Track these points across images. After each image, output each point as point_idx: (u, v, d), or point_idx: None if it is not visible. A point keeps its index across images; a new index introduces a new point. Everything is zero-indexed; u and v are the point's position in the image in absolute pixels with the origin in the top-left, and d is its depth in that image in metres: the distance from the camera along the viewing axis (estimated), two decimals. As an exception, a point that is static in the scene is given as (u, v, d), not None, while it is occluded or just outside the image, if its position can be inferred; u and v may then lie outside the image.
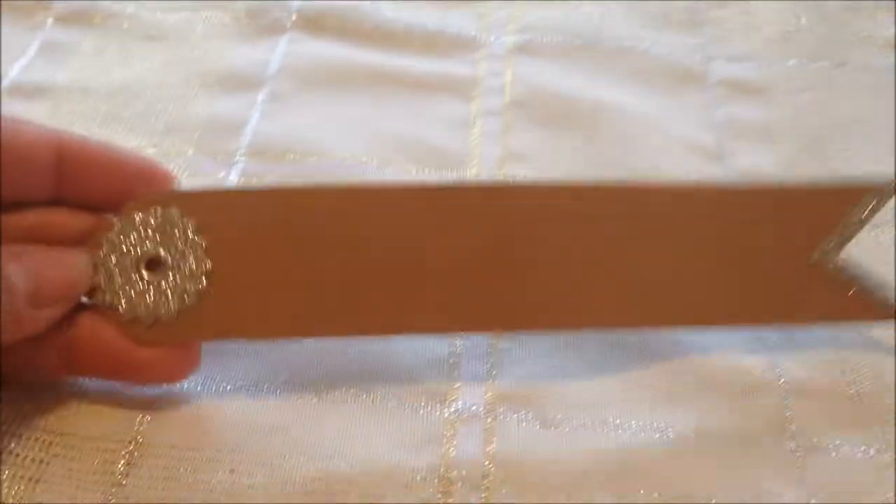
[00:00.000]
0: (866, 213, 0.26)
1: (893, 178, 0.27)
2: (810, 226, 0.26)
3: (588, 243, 0.26)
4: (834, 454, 0.25)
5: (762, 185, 0.27)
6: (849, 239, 0.26)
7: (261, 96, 0.36)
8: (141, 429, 0.25)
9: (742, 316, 0.26)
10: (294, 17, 0.39)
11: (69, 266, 0.24)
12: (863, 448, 0.25)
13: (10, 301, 0.21)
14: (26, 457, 0.24)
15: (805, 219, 0.26)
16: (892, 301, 0.26)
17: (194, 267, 0.25)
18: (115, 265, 0.25)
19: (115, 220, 0.25)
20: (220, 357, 0.27)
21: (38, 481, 0.23)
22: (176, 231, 0.25)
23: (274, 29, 0.39)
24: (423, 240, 0.25)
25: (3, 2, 0.40)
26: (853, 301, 0.26)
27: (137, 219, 0.25)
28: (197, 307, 0.25)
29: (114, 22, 0.39)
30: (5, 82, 0.36)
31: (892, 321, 0.26)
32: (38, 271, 0.22)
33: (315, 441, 0.25)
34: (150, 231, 0.25)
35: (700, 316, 0.26)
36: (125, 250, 0.25)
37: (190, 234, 0.25)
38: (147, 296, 0.24)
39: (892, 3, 0.41)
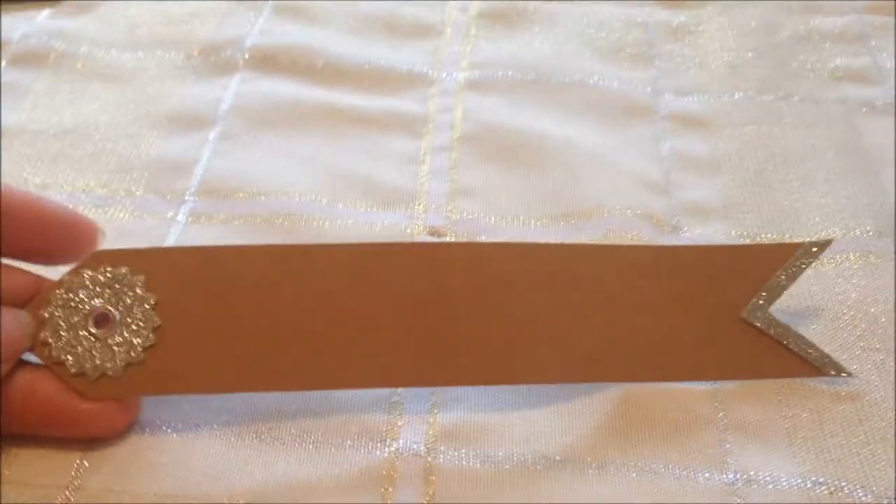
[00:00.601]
0: (793, 270, 0.27)
1: (818, 241, 0.28)
2: (739, 283, 0.27)
3: (525, 301, 0.27)
4: (771, 486, 0.25)
5: (695, 247, 0.29)
6: (777, 296, 0.27)
7: (212, 135, 0.36)
8: (79, 473, 0.25)
9: (676, 372, 0.27)
10: (247, 56, 0.39)
11: (10, 325, 0.24)
12: (799, 481, 0.25)
13: None
14: (-37, 505, 0.24)
15: (734, 277, 0.27)
16: (824, 357, 0.27)
17: (143, 323, 0.25)
18: (62, 321, 0.25)
19: (64, 277, 0.25)
20: (159, 401, 0.27)
21: (-26, 529, 0.23)
22: (125, 288, 0.25)
23: (226, 68, 0.39)
24: (362, 298, 0.26)
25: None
26: (781, 357, 0.27)
27: (87, 276, 0.25)
28: (143, 362, 0.25)
29: (67, 62, 0.39)
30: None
31: (822, 376, 0.27)
32: None
33: (256, 484, 0.25)
34: (98, 288, 0.25)
35: (634, 372, 0.27)
36: (73, 307, 0.25)
37: (139, 291, 0.25)
38: (94, 351, 0.25)
39: (840, 35, 0.42)
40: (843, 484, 0.25)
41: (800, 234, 0.32)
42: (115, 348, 0.25)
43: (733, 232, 0.32)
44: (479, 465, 0.25)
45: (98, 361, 0.25)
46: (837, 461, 0.26)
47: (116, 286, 0.25)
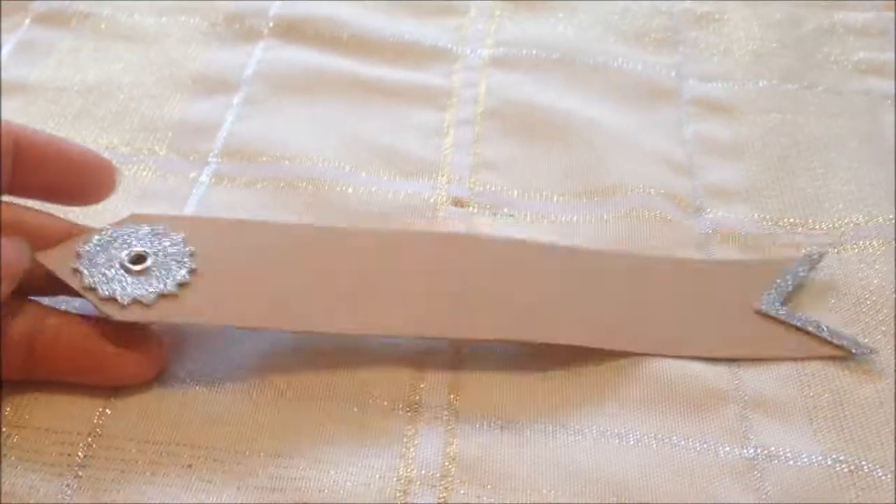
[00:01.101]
0: (800, 275, 0.29)
1: (815, 252, 0.30)
2: (753, 287, 0.29)
3: (547, 296, 0.28)
4: (791, 462, 0.25)
5: (707, 261, 0.31)
6: (785, 293, 0.29)
7: (236, 99, 0.36)
8: (100, 421, 0.25)
9: (691, 348, 0.28)
10: (271, 24, 0.39)
11: (8, 248, 0.23)
12: (820, 458, 0.25)
13: None
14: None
15: (747, 283, 0.29)
16: (837, 340, 0.28)
17: (180, 265, 0.25)
18: (98, 253, 0.25)
19: (107, 225, 0.26)
20: (182, 353, 0.27)
21: (-6, 470, 0.23)
22: (164, 240, 0.26)
23: (250, 35, 0.39)
24: (391, 274, 0.27)
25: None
26: (800, 340, 0.28)
27: (127, 228, 0.26)
28: (177, 296, 0.25)
29: (91, 23, 0.39)
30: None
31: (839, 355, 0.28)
32: None
33: (275, 440, 0.25)
34: (138, 235, 0.26)
35: (650, 344, 0.28)
36: (111, 244, 0.25)
37: (178, 242, 0.26)
38: (126, 280, 0.25)
39: (863, 30, 0.42)
40: (864, 463, 0.25)
41: (822, 219, 0.32)
42: (150, 280, 0.25)
43: (756, 215, 0.32)
44: (498, 430, 0.25)
45: (129, 289, 0.25)
46: (857, 441, 0.26)
47: (156, 236, 0.26)
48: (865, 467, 0.25)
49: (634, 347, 0.27)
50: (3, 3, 0.40)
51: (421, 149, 0.34)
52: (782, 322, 0.28)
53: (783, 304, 0.28)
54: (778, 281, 0.29)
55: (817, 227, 0.32)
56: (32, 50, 0.38)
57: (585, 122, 0.36)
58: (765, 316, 0.28)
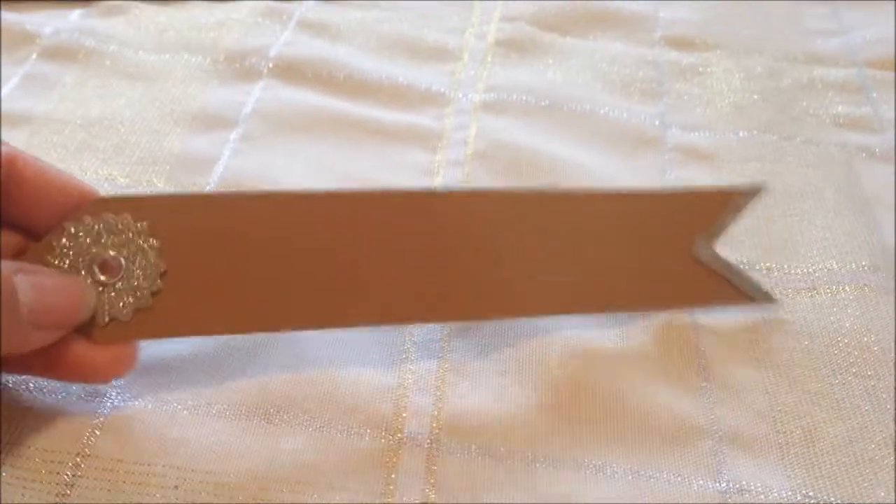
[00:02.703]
0: (733, 213, 0.30)
1: (752, 184, 0.31)
2: (690, 224, 0.30)
3: (507, 242, 0.29)
4: (762, 497, 0.26)
5: (649, 191, 0.31)
6: (718, 234, 0.30)
7: (233, 135, 0.37)
8: (89, 441, 0.25)
9: (631, 303, 0.30)
10: (271, 65, 0.41)
11: (74, 292, 0.24)
12: (790, 493, 0.26)
13: (13, 313, 0.21)
14: (-25, 464, 0.24)
15: (686, 218, 0.30)
16: (752, 288, 0.30)
17: (149, 268, 0.25)
18: (69, 268, 0.25)
19: (66, 224, 0.25)
20: (171, 377, 0.27)
21: (-15, 485, 0.24)
22: (130, 234, 0.26)
23: (250, 74, 0.40)
24: (362, 241, 0.27)
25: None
26: (722, 287, 0.30)
27: (89, 223, 0.26)
28: (151, 307, 0.25)
29: (96, 59, 0.40)
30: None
31: (754, 304, 0.31)
32: (43, 289, 0.23)
33: (262, 464, 0.25)
34: (103, 235, 0.26)
35: (596, 303, 0.30)
36: (78, 253, 0.25)
37: (143, 237, 0.26)
38: (103, 297, 0.25)
39: (842, 86, 0.44)
40: (833, 499, 0.26)
41: (797, 264, 0.33)
42: (123, 294, 0.25)
43: (734, 257, 0.33)
44: (480, 459, 0.26)
45: (107, 307, 0.25)
46: (828, 478, 0.26)
47: (120, 232, 0.26)
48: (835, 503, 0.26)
49: (583, 310, 0.30)
50: (10, 36, 0.41)
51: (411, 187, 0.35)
52: (709, 267, 0.30)
53: (713, 243, 0.30)
54: (712, 220, 0.30)
55: (792, 271, 0.33)
56: (38, 83, 0.39)
57: (572, 165, 0.37)
58: (697, 261, 0.30)
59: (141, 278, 0.25)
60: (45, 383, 0.27)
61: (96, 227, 0.26)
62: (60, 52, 0.41)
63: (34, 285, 0.22)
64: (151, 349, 0.28)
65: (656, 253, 0.30)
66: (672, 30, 0.47)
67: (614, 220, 0.30)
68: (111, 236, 0.26)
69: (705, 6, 0.49)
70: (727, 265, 0.30)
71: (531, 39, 0.45)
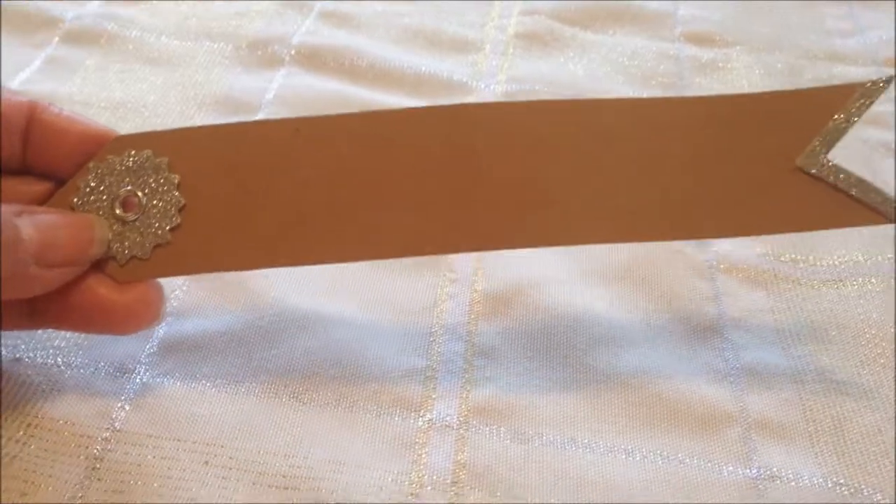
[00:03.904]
0: (853, 111, 0.26)
1: (880, 78, 0.26)
2: (794, 130, 0.25)
3: (555, 159, 0.25)
4: (793, 484, 0.25)
5: (739, 95, 0.26)
6: (836, 140, 0.25)
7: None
8: (119, 416, 0.25)
9: (728, 226, 0.26)
10: (293, 52, 0.41)
11: (79, 227, 0.24)
12: (821, 480, 0.26)
13: (16, 254, 0.21)
14: (8, 437, 0.24)
15: (788, 124, 0.25)
16: (889, 201, 0.25)
17: (168, 204, 0.25)
18: (90, 207, 0.25)
19: (89, 164, 0.25)
20: (202, 354, 0.27)
21: (16, 457, 0.24)
22: (149, 171, 0.25)
23: (273, 62, 0.40)
24: (384, 165, 0.25)
25: (10, 18, 0.41)
26: (843, 204, 0.25)
27: (112, 161, 0.25)
28: (171, 243, 0.25)
29: (119, 44, 0.40)
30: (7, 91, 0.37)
31: (887, 223, 0.25)
32: (45, 228, 0.22)
33: (291, 441, 0.25)
34: (124, 173, 0.25)
35: (682, 228, 0.25)
36: (101, 193, 0.25)
37: (163, 172, 0.25)
38: (123, 234, 0.25)
39: (860, 80, 0.43)
40: (864, 487, 0.26)
41: (823, 256, 0.33)
42: (143, 230, 0.25)
43: (759, 249, 0.33)
44: (508, 441, 0.26)
45: (127, 244, 0.25)
46: (858, 466, 0.26)
47: (140, 169, 0.25)
48: (865, 491, 0.25)
49: (662, 236, 0.26)
50: (32, 20, 0.41)
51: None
52: (825, 182, 0.25)
53: (827, 151, 0.25)
54: (824, 124, 0.25)
55: (818, 263, 0.33)
56: (60, 67, 0.39)
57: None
58: (806, 174, 0.25)
59: (160, 214, 0.25)
60: (74, 359, 0.27)
61: (118, 165, 0.25)
62: (83, 37, 0.40)
63: (37, 224, 0.22)
64: (179, 327, 0.28)
65: (752, 165, 0.25)
66: (691, 26, 0.47)
67: (694, 129, 0.25)
68: (132, 173, 0.25)
69: (724, 5, 0.49)
70: (847, 176, 0.25)
71: (551, 33, 0.45)
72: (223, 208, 0.25)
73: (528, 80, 0.41)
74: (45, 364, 0.26)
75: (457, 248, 0.25)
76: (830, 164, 0.25)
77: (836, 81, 0.43)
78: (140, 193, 0.25)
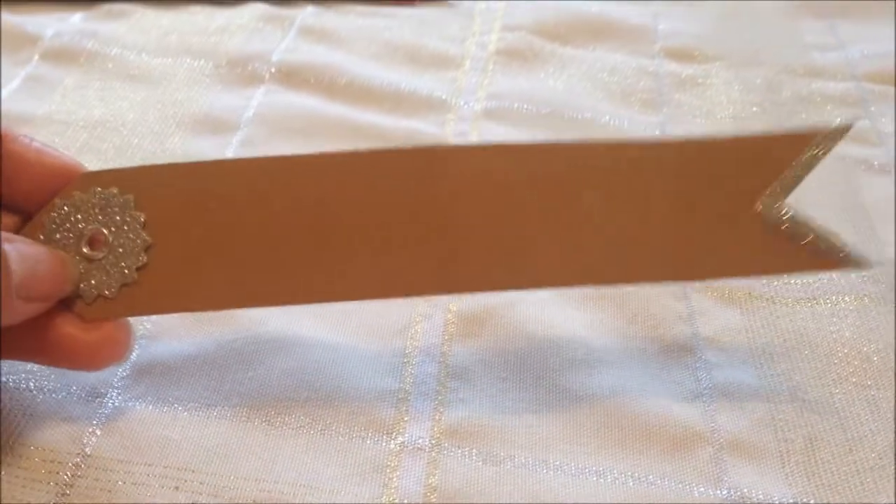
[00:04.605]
0: (811, 158, 0.26)
1: (838, 123, 0.26)
2: (755, 175, 0.25)
3: (524, 202, 0.25)
4: (764, 506, 0.26)
5: (703, 139, 0.26)
6: (794, 185, 0.26)
7: (235, 139, 0.37)
8: (89, 441, 0.25)
9: (688, 270, 0.26)
10: (273, 70, 0.41)
11: (59, 264, 0.24)
12: (791, 501, 0.26)
13: (5, 282, 0.21)
14: (-23, 462, 0.24)
15: (749, 168, 0.26)
16: (841, 249, 0.25)
17: (134, 243, 0.25)
18: (57, 244, 0.25)
19: (55, 200, 0.25)
20: (172, 378, 0.27)
21: (-17, 483, 0.24)
22: (115, 208, 0.25)
23: (252, 79, 0.40)
24: (357, 205, 0.25)
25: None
26: (800, 250, 0.25)
27: (77, 198, 0.25)
28: (138, 283, 0.25)
29: (99, 62, 0.41)
30: (-15, 110, 0.37)
31: (841, 270, 0.26)
32: (30, 261, 0.23)
33: (262, 466, 0.25)
34: (90, 210, 0.25)
35: (642, 272, 0.26)
36: (67, 229, 0.25)
37: (129, 210, 0.25)
38: (89, 273, 0.25)
39: (841, 99, 0.44)
40: (834, 507, 0.26)
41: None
42: (109, 269, 0.25)
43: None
44: (480, 463, 0.26)
45: (94, 282, 0.25)
46: (829, 486, 0.26)
47: (107, 207, 0.25)
48: (835, 512, 0.26)
49: (626, 280, 0.26)
50: (12, 38, 0.41)
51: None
52: (782, 227, 0.25)
53: (786, 197, 0.25)
54: (783, 170, 0.25)
55: (792, 281, 0.33)
56: (39, 85, 0.39)
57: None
58: (765, 219, 0.25)
59: (126, 253, 0.25)
60: (46, 383, 0.27)
61: (85, 202, 0.25)
62: (62, 55, 0.41)
63: (21, 254, 0.22)
64: (152, 350, 0.28)
65: (712, 210, 0.25)
66: (671, 42, 0.47)
67: (657, 173, 0.26)
68: (98, 211, 0.25)
69: (704, 20, 0.49)
70: (805, 223, 0.25)
71: (531, 48, 0.45)
72: (189, 247, 0.25)
73: (508, 97, 0.41)
74: (18, 388, 0.26)
75: (424, 292, 0.26)
76: (789, 210, 0.25)
77: (815, 97, 0.44)
78: (106, 231, 0.25)
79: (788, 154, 0.25)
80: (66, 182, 0.25)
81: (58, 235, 0.25)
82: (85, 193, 0.25)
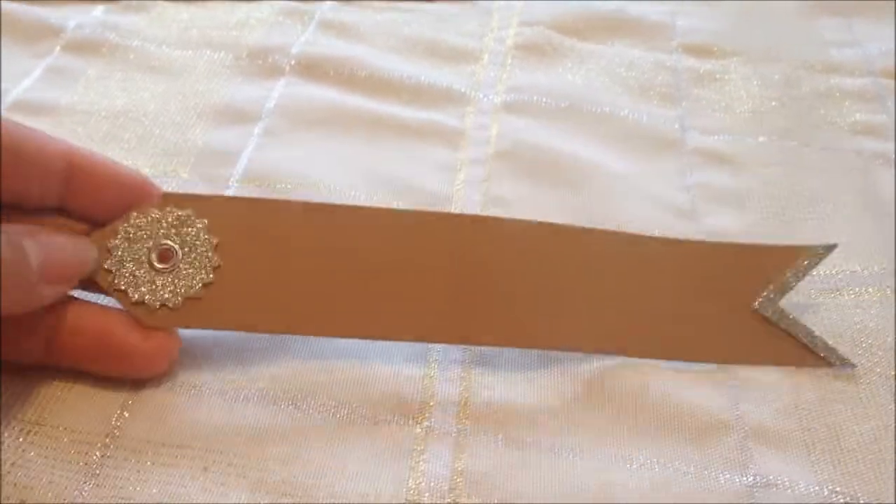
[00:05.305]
0: (799, 272, 0.30)
1: (825, 244, 0.31)
2: (754, 278, 0.30)
3: (550, 274, 0.29)
4: (789, 492, 0.26)
5: (709, 243, 0.32)
6: (786, 291, 0.30)
7: (256, 130, 0.37)
8: (118, 423, 0.25)
9: (689, 352, 0.29)
10: (293, 62, 0.41)
11: (78, 248, 0.25)
12: (817, 488, 0.26)
13: (24, 272, 0.22)
14: (8, 444, 0.24)
15: (747, 272, 0.30)
16: (832, 351, 0.29)
17: (203, 260, 0.26)
18: (127, 252, 0.26)
19: (133, 213, 0.27)
20: (200, 362, 0.27)
21: (15, 464, 0.24)
22: (189, 228, 0.27)
23: (273, 71, 0.41)
24: (402, 257, 0.28)
25: (11, 27, 0.41)
26: (791, 347, 0.29)
27: (154, 215, 0.27)
28: (202, 297, 0.26)
29: (120, 53, 0.41)
30: (8, 99, 0.37)
31: (823, 366, 0.29)
32: (50, 248, 0.23)
33: (288, 448, 0.25)
34: (164, 226, 0.27)
35: (649, 348, 0.29)
36: (139, 240, 0.26)
37: (201, 232, 0.27)
38: (155, 282, 0.26)
39: (859, 95, 0.44)
40: (860, 495, 0.26)
41: (819, 266, 0.33)
42: (176, 282, 0.26)
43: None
44: (506, 448, 0.26)
45: (159, 292, 0.26)
46: (854, 474, 0.26)
47: (181, 226, 0.27)
48: (861, 500, 0.26)
49: (633, 353, 0.29)
50: (33, 29, 0.41)
51: (434, 183, 0.35)
52: (775, 325, 0.30)
53: (779, 300, 0.30)
54: (778, 277, 0.30)
55: (815, 273, 0.33)
56: (61, 76, 0.39)
57: (592, 166, 0.37)
58: (760, 317, 0.30)
59: (195, 269, 0.26)
60: (75, 365, 0.27)
61: (160, 218, 0.27)
62: (84, 46, 0.41)
63: (41, 243, 0.23)
64: (181, 334, 0.28)
65: (714, 304, 0.30)
66: (689, 38, 0.47)
67: (668, 265, 0.30)
68: (172, 228, 0.27)
69: (721, 17, 0.49)
70: (795, 323, 0.30)
71: (550, 43, 0.45)
72: (253, 275, 0.27)
73: (527, 91, 0.41)
74: (47, 370, 0.26)
75: (458, 341, 0.28)
76: (782, 311, 0.30)
77: (833, 92, 0.44)
78: (178, 248, 0.26)
79: (783, 262, 0.30)
80: (136, 195, 0.27)
81: (128, 245, 0.26)
82: (161, 211, 0.27)
